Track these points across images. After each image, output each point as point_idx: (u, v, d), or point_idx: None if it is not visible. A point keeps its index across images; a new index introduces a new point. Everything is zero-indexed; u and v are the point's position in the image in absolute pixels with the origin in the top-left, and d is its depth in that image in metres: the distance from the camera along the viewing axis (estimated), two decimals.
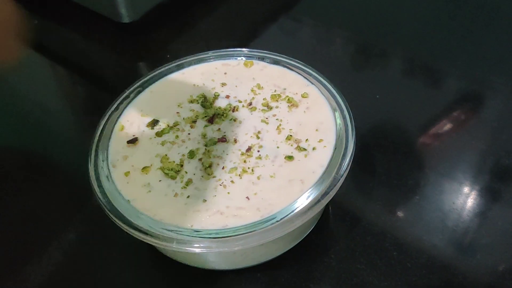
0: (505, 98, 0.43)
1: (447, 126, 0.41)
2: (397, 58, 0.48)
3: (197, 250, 0.25)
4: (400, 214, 0.34)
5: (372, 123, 0.40)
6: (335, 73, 0.46)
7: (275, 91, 0.33)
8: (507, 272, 0.31)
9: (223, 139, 0.30)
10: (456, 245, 0.32)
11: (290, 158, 0.28)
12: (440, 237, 0.32)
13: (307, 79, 0.33)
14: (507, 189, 0.36)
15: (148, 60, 0.50)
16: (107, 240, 0.34)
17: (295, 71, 0.34)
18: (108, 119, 0.32)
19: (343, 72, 0.46)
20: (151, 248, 0.32)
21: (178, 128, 0.31)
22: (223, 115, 0.32)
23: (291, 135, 0.30)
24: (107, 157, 0.30)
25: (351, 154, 0.28)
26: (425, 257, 0.31)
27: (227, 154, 0.29)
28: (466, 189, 0.35)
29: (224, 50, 0.36)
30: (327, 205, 0.34)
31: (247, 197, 0.27)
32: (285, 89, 0.33)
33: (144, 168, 0.29)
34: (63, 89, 0.50)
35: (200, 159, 0.29)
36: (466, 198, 0.35)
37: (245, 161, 0.29)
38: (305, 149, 0.29)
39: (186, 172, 0.28)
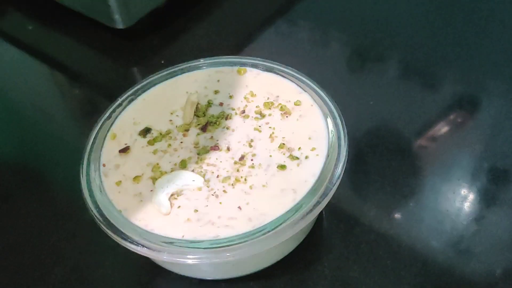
0: (500, 101, 0.43)
1: (442, 132, 0.41)
2: (392, 62, 0.48)
3: (189, 261, 0.25)
4: (394, 221, 0.34)
5: (367, 129, 0.40)
6: (330, 78, 0.46)
7: (268, 98, 0.33)
8: (501, 280, 0.31)
9: (215, 148, 0.30)
10: (451, 253, 0.32)
11: (282, 167, 0.28)
12: (434, 245, 0.32)
13: (300, 87, 0.33)
14: (503, 193, 0.36)
15: (143, 65, 0.50)
16: (102, 250, 0.34)
17: (288, 79, 0.34)
18: (100, 127, 0.32)
19: (338, 77, 0.46)
20: (145, 258, 0.32)
21: (171, 137, 0.31)
22: (215, 123, 0.32)
23: (283, 144, 0.30)
24: (99, 166, 0.30)
25: (343, 163, 0.28)
26: (419, 265, 0.31)
27: (220, 162, 0.29)
28: (461, 196, 0.35)
29: (218, 57, 0.36)
30: (320, 213, 0.34)
31: (239, 207, 0.27)
32: (278, 96, 0.33)
33: (135, 177, 0.29)
34: (57, 95, 0.49)
35: (192, 170, 0.29)
36: (461, 205, 0.35)
37: (238, 170, 0.29)
38: (297, 158, 0.29)
39: None
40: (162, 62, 0.49)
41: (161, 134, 0.31)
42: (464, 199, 0.35)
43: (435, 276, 0.31)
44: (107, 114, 0.33)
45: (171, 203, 0.27)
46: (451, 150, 0.39)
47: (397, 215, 0.34)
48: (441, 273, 0.31)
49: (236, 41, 0.52)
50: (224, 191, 0.28)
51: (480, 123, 0.41)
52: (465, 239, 0.33)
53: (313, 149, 0.29)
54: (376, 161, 0.37)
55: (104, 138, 0.31)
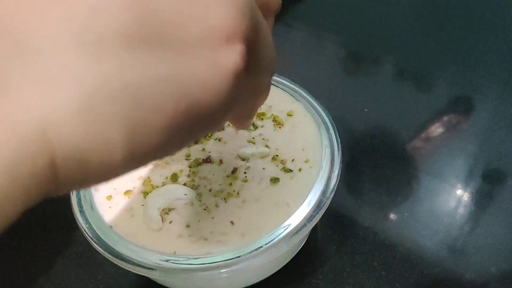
0: (494, 102, 0.43)
1: (436, 137, 0.41)
2: (387, 66, 0.48)
3: (181, 278, 0.25)
4: (389, 231, 0.33)
5: (361, 137, 0.40)
6: (324, 84, 0.45)
7: (260, 108, 0.32)
8: None
9: (207, 160, 0.30)
10: (447, 262, 0.32)
11: (276, 180, 0.28)
12: (430, 255, 0.32)
13: (293, 96, 0.33)
14: (497, 195, 0.35)
15: None
16: (93, 264, 0.33)
17: (281, 88, 0.33)
18: None
19: (333, 82, 0.46)
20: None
21: None
22: (208, 134, 0.31)
23: (277, 155, 0.29)
24: None
25: (337, 174, 0.28)
26: (415, 276, 0.31)
27: (213, 175, 0.29)
28: (455, 202, 0.35)
29: None
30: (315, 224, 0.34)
31: (232, 222, 0.26)
32: (270, 106, 0.32)
33: (126, 191, 0.28)
34: None
35: (184, 184, 0.28)
36: (456, 212, 0.35)
37: (230, 184, 0.28)
38: (291, 171, 0.28)
39: None
40: None
41: None
42: (458, 206, 0.35)
43: (431, 286, 0.30)
44: None
45: (162, 218, 0.27)
46: (445, 157, 0.39)
47: (392, 225, 0.34)
48: (437, 282, 0.31)
49: None
50: (217, 205, 0.27)
51: (474, 125, 0.41)
52: (460, 248, 0.33)
53: (306, 161, 0.29)
54: (370, 170, 0.37)
55: None
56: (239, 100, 0.14)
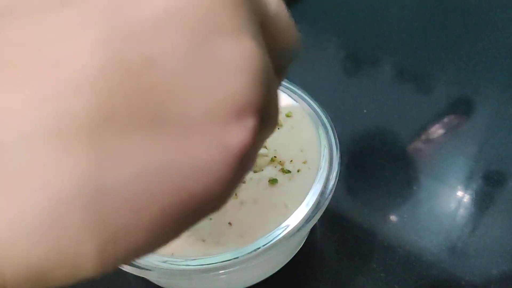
0: (494, 103, 0.43)
1: (436, 139, 0.41)
2: (386, 67, 0.47)
3: (178, 279, 0.25)
4: (388, 233, 0.33)
5: (360, 138, 0.40)
6: (323, 85, 0.45)
7: None
8: None
9: None
10: (445, 265, 0.32)
11: (274, 181, 0.28)
12: (429, 257, 0.32)
13: (291, 97, 0.33)
14: (497, 196, 0.35)
15: None
16: None
17: (279, 89, 0.33)
18: None
19: (332, 83, 0.46)
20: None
21: None
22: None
23: (275, 156, 0.29)
24: None
25: (336, 176, 0.28)
26: (414, 278, 0.31)
27: None
28: (455, 204, 0.35)
29: None
30: (314, 225, 0.34)
31: (230, 223, 0.26)
32: None
33: None
34: None
35: None
36: (456, 215, 0.34)
37: None
38: (289, 172, 0.28)
39: None
40: None
41: None
42: (458, 208, 0.35)
43: None
44: None
45: None
46: (445, 158, 0.38)
47: (391, 227, 0.34)
48: (436, 284, 0.30)
49: None
50: None
51: (474, 126, 0.41)
52: (460, 250, 0.33)
53: (305, 162, 0.29)
54: (370, 171, 0.37)
55: None
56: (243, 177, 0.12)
